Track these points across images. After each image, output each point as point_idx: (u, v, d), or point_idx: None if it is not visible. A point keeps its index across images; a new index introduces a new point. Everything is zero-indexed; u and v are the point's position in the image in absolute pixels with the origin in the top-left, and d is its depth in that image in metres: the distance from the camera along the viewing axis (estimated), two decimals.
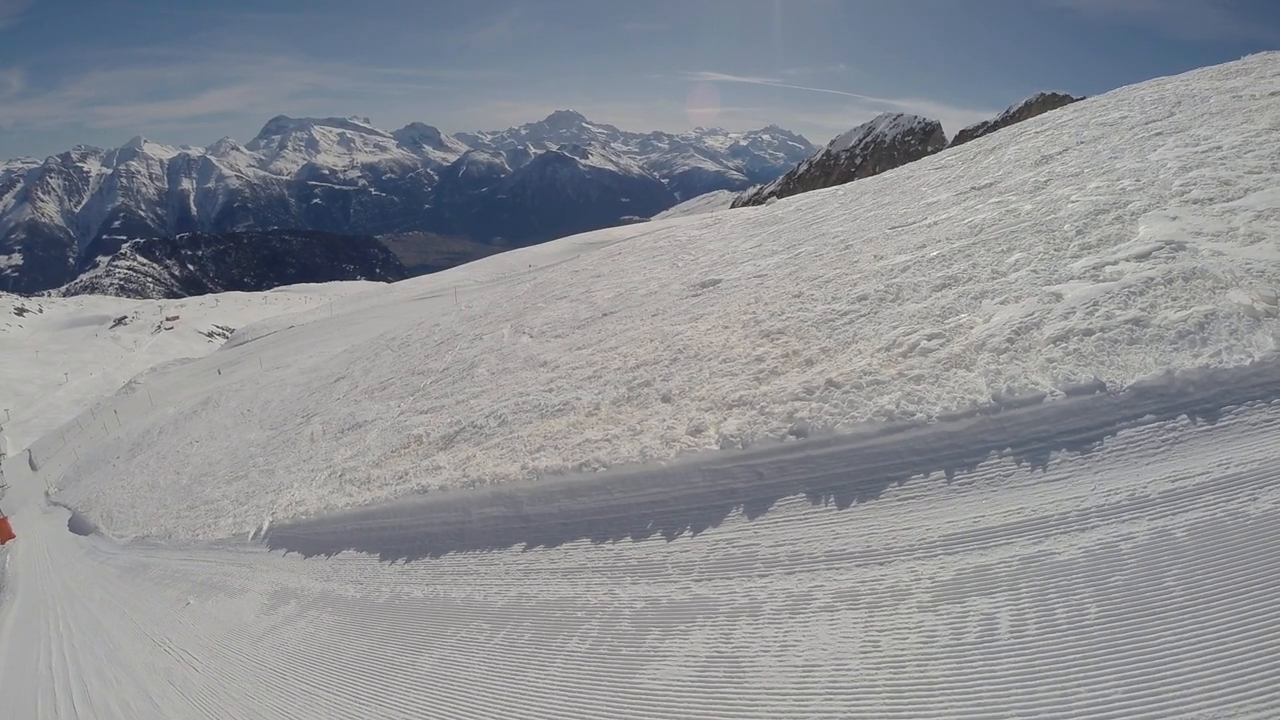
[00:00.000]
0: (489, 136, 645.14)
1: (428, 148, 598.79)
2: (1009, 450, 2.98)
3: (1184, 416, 2.75)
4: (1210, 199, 4.27)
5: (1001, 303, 4.00)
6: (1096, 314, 3.43)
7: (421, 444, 6.84)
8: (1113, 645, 2.05)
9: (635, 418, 4.81)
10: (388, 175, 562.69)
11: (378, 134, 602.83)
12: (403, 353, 12.98)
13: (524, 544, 4.38)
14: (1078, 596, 2.25)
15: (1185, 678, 1.89)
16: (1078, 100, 11.82)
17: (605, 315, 8.51)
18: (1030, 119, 10.19)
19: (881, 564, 2.75)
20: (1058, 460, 2.83)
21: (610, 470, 4.25)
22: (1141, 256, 3.82)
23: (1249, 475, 2.42)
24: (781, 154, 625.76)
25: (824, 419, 3.57)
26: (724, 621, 2.87)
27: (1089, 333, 3.32)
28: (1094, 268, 3.92)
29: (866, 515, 3.05)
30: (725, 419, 4.10)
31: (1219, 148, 5.19)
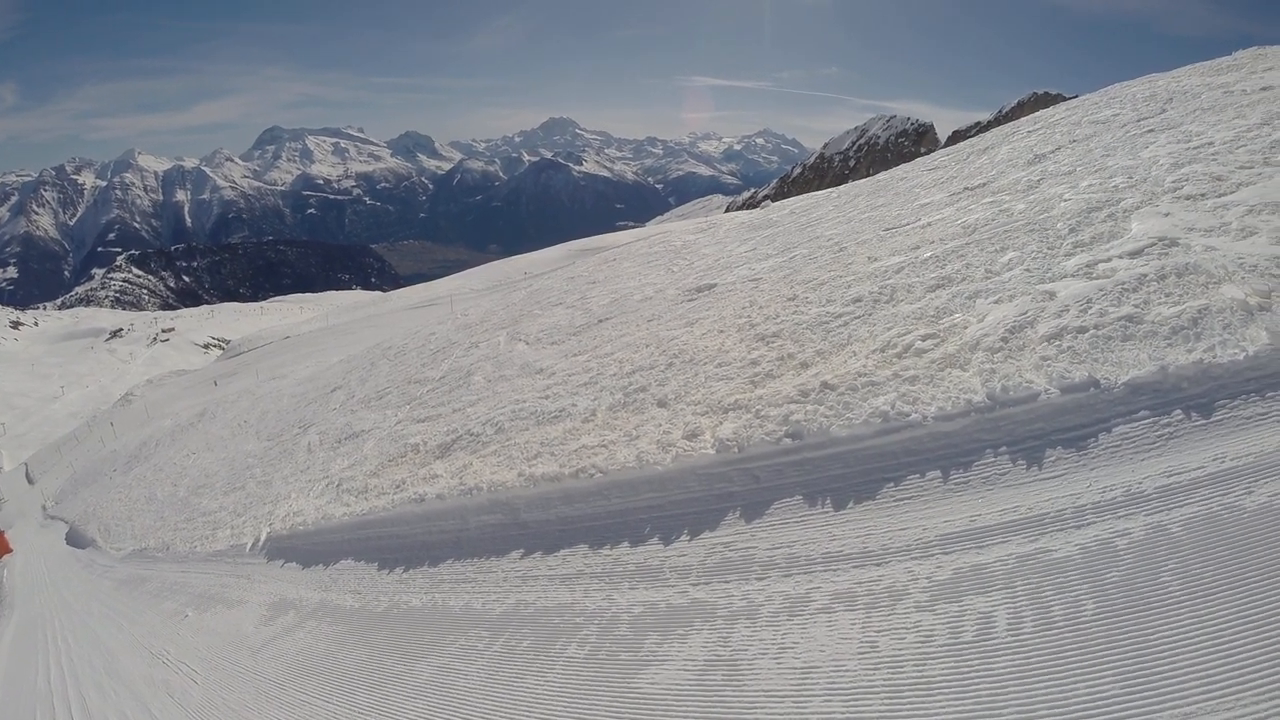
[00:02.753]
0: (483, 144, 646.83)
1: (422, 156, 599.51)
2: (1004, 449, 2.98)
3: (1179, 411, 2.75)
4: (1203, 195, 4.29)
5: (995, 302, 4.01)
6: (1090, 311, 3.44)
7: (418, 453, 6.83)
8: (1110, 641, 2.04)
9: (631, 423, 4.80)
10: (382, 184, 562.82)
11: (372, 143, 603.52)
12: (399, 362, 12.97)
13: (521, 551, 4.36)
14: (1074, 593, 2.24)
15: (1183, 672, 1.88)
16: (1070, 99, 11.88)
17: (601, 321, 8.52)
18: (1023, 118, 10.24)
19: (878, 565, 2.75)
20: (1053, 458, 2.83)
21: (607, 476, 4.24)
22: (1134, 253, 3.83)
23: (1244, 469, 2.43)
24: (775, 157, 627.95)
25: (819, 421, 3.56)
26: (722, 625, 2.86)
27: (1083, 330, 3.33)
28: (1087, 265, 3.93)
29: (863, 516, 3.05)
30: (721, 423, 4.09)
31: (1211, 144, 5.22)
